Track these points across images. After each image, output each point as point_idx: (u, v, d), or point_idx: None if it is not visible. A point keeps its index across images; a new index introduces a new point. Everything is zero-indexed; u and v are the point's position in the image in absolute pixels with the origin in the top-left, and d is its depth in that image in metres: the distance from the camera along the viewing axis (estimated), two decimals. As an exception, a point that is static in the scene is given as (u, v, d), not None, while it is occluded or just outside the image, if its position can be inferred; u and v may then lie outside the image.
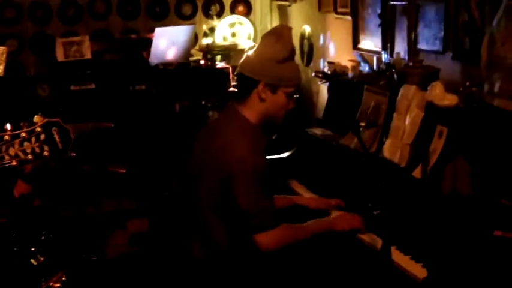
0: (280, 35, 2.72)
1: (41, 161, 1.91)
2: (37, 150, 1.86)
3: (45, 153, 1.87)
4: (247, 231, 2.66)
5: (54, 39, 4.95)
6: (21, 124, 1.88)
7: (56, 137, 1.88)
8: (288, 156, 3.83)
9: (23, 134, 1.86)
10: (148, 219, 4.71)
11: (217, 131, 2.76)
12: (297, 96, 2.78)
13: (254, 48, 2.81)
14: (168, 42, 4.84)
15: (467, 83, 2.84)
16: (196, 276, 2.81)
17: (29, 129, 1.87)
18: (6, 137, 1.84)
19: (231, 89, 4.81)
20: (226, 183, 2.62)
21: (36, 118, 1.89)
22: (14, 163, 1.86)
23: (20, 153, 1.86)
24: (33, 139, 1.87)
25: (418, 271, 2.44)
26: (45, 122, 1.86)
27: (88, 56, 4.65)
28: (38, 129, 1.87)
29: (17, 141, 1.86)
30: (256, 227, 2.63)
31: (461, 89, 2.83)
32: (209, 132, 2.82)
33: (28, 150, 1.86)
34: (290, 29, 2.80)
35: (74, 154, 1.98)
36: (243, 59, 2.80)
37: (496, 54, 2.43)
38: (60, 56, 4.61)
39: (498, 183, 2.37)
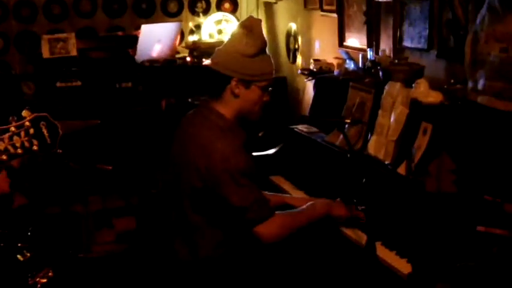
0: (249, 28, 2.65)
1: (29, 156, 1.92)
2: (26, 144, 1.88)
3: (35, 148, 1.89)
4: (245, 226, 2.64)
5: (40, 37, 4.93)
6: (10, 119, 1.89)
7: (45, 131, 1.90)
8: (274, 153, 3.84)
9: (13, 129, 1.87)
10: (135, 217, 4.71)
11: (195, 134, 2.69)
12: (271, 89, 2.74)
13: (225, 43, 2.75)
14: (154, 39, 4.83)
15: (452, 81, 2.87)
16: (181, 276, 2.80)
17: (18, 123, 1.88)
18: None
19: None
20: (212, 187, 2.60)
21: (24, 113, 1.90)
22: (4, 157, 1.87)
23: (10, 148, 1.87)
24: (22, 133, 1.88)
25: (403, 266, 2.46)
26: (33, 116, 1.88)
27: (74, 53, 4.63)
28: (27, 123, 1.88)
29: (7, 135, 1.87)
30: (253, 220, 2.61)
31: (445, 86, 2.86)
32: (185, 136, 2.76)
33: (18, 144, 1.88)
34: (260, 21, 2.73)
35: (61, 151, 1.99)
36: (214, 54, 2.73)
37: (480, 51, 2.46)
38: (45, 53, 4.60)
39: (481, 179, 2.40)
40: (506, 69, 2.33)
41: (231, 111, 2.69)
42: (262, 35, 2.71)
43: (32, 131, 1.89)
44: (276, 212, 2.69)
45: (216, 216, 2.67)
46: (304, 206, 2.82)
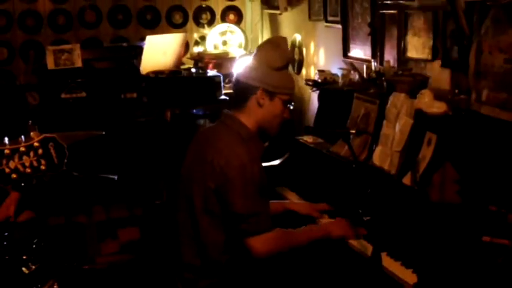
0: (277, 44, 2.80)
1: (36, 176, 1.96)
2: (35, 163, 1.93)
3: (42, 167, 1.94)
4: (240, 235, 2.67)
5: (44, 47, 4.95)
6: (19, 139, 1.94)
7: (53, 151, 1.95)
8: (279, 164, 3.84)
9: (22, 148, 1.93)
10: (139, 227, 4.71)
11: (215, 138, 2.78)
12: (292, 107, 2.83)
13: (251, 58, 2.85)
14: (159, 50, 4.84)
15: (456, 91, 2.88)
16: (188, 282, 2.82)
17: (28, 143, 1.94)
18: (7, 151, 1.90)
19: (222, 97, 4.82)
20: (222, 188, 2.65)
21: (33, 134, 1.96)
22: (14, 176, 1.92)
23: (20, 167, 1.93)
24: (31, 153, 1.94)
25: (409, 277, 2.45)
26: (42, 137, 1.94)
27: (79, 64, 4.64)
28: (36, 144, 1.94)
29: (17, 155, 1.92)
30: (249, 231, 2.65)
31: (449, 96, 2.86)
32: (204, 140, 2.83)
33: (27, 164, 1.93)
34: (285, 39, 2.88)
35: (65, 168, 2.03)
36: (242, 69, 2.84)
37: (484, 62, 2.46)
38: (50, 64, 4.61)
39: (486, 189, 2.40)
40: (510, 80, 2.34)
41: (253, 121, 2.77)
42: (288, 50, 2.88)
43: (40, 151, 1.94)
44: (276, 229, 2.72)
45: (223, 220, 2.71)
46: (303, 228, 2.85)
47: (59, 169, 1.96)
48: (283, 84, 2.77)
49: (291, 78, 2.84)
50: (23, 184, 2.24)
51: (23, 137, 1.98)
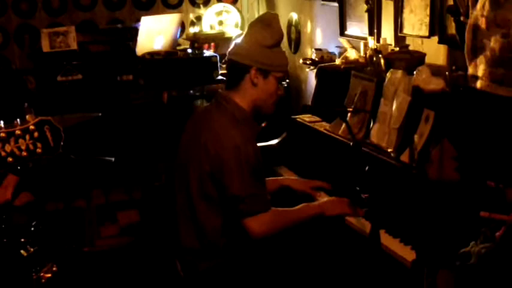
0: (268, 21, 2.78)
1: (33, 160, 1.97)
2: (31, 147, 1.94)
3: (38, 150, 1.95)
4: (237, 216, 2.67)
5: (39, 31, 4.91)
6: (14, 122, 1.94)
7: (48, 134, 1.95)
8: (277, 143, 3.84)
9: (18, 132, 1.93)
10: (138, 210, 4.71)
11: (208, 120, 2.77)
12: (285, 84, 2.81)
13: (242, 36, 2.84)
14: (154, 31, 4.81)
15: (453, 67, 2.86)
16: (188, 264, 2.82)
17: (23, 127, 1.94)
18: (2, 134, 1.90)
19: (219, 77, 4.80)
20: (218, 171, 2.65)
21: (28, 117, 1.95)
22: (10, 159, 1.92)
23: (15, 150, 1.93)
24: (27, 136, 1.94)
25: (407, 254, 2.46)
26: (38, 120, 1.94)
27: (74, 46, 4.62)
28: (32, 127, 1.94)
29: (12, 138, 1.93)
30: (246, 211, 2.66)
31: (447, 73, 2.85)
32: (199, 122, 2.83)
33: (23, 147, 1.93)
34: (277, 15, 2.85)
35: (61, 151, 2.03)
36: (232, 47, 2.83)
37: (480, 38, 2.44)
38: (45, 47, 4.58)
39: (484, 166, 2.39)
40: (507, 55, 2.32)
41: (248, 101, 2.77)
42: (280, 28, 2.83)
43: (36, 134, 1.94)
44: (272, 209, 2.72)
45: (220, 203, 2.71)
46: (299, 207, 2.85)
47: (55, 152, 1.96)
48: (276, 62, 2.77)
49: (284, 55, 2.83)
50: (19, 168, 2.25)
51: (18, 120, 1.97)
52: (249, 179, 2.66)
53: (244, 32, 2.86)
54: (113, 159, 2.89)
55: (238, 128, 2.70)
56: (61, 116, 2.78)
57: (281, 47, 2.84)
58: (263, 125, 4.43)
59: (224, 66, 4.91)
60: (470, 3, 2.69)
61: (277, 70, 2.77)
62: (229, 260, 2.76)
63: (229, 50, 2.84)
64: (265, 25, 2.76)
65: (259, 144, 3.33)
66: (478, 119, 2.48)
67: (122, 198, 4.76)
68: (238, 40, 2.84)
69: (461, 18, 2.79)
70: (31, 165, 2.03)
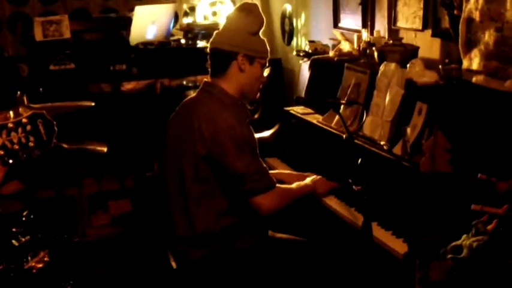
0: (249, 9, 2.83)
1: (25, 152, 1.96)
2: (23, 140, 1.92)
3: (31, 144, 1.93)
4: (244, 196, 2.70)
5: (32, 19, 4.88)
6: (7, 115, 1.93)
7: (41, 128, 1.94)
8: (269, 135, 3.84)
9: (10, 125, 1.92)
10: (130, 200, 4.70)
11: (198, 106, 2.79)
12: (268, 71, 2.85)
13: (223, 26, 2.88)
14: (148, 21, 4.79)
15: (446, 60, 2.87)
16: (180, 254, 2.82)
17: (16, 120, 1.92)
18: None
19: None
20: (216, 154, 2.67)
21: (21, 110, 1.94)
22: (1, 152, 1.91)
23: (7, 143, 1.92)
24: (19, 129, 1.93)
25: (399, 246, 2.47)
26: (31, 113, 1.93)
27: (67, 35, 4.58)
28: (24, 120, 1.92)
29: (4, 131, 1.92)
30: (253, 189, 2.69)
31: (440, 66, 2.85)
32: (187, 110, 2.84)
33: (15, 140, 1.92)
34: (256, 4, 2.90)
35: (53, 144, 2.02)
36: (215, 36, 2.85)
37: (475, 31, 2.45)
38: (38, 35, 4.55)
39: (476, 158, 2.39)
40: (501, 48, 2.32)
41: (235, 87, 2.81)
42: (261, 14, 2.86)
43: (29, 127, 1.93)
44: (276, 186, 2.79)
45: (216, 187, 2.73)
46: (293, 185, 2.95)
47: (47, 146, 1.96)
48: (261, 48, 2.83)
49: (265, 42, 2.88)
50: (11, 161, 2.24)
51: (11, 112, 1.96)
52: (251, 157, 2.70)
53: (224, 22, 2.90)
54: (105, 149, 2.88)
55: (230, 111, 2.74)
56: (53, 104, 2.77)
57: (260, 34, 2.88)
58: (256, 116, 4.44)
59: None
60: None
61: (262, 56, 2.83)
62: (223, 249, 2.75)
63: (210, 40, 2.86)
64: (247, 12, 2.81)
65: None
66: (471, 112, 2.49)
67: (114, 187, 4.75)
68: (220, 29, 2.87)
69: (455, 12, 2.79)
70: (23, 158, 2.01)
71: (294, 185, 2.95)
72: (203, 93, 2.85)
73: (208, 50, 2.87)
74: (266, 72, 2.92)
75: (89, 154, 4.08)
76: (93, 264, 4.09)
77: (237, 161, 2.66)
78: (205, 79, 2.89)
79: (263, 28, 2.87)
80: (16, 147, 1.93)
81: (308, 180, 3.04)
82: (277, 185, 2.81)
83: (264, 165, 2.79)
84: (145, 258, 4.01)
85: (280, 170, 3.43)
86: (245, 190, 2.70)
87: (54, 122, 1.97)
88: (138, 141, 4.67)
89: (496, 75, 2.32)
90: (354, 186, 2.50)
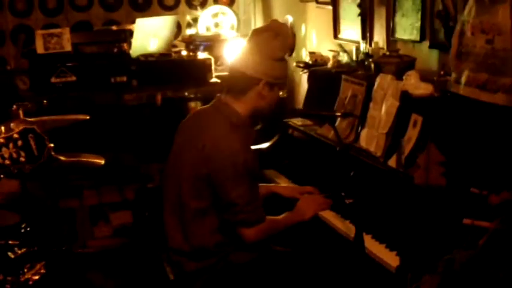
0: (276, 32, 2.77)
1: (17, 166, 1.97)
2: (14, 155, 1.94)
3: (22, 159, 1.95)
4: (233, 223, 2.70)
5: (35, 31, 4.91)
6: None
7: (32, 143, 1.95)
8: (268, 147, 3.83)
9: (1, 140, 1.93)
10: (131, 211, 4.70)
11: (206, 123, 2.78)
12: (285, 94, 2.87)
13: (248, 44, 2.81)
14: (149, 33, 4.81)
15: (441, 72, 2.86)
16: (175, 265, 2.83)
17: (7, 135, 1.94)
18: None
19: (213, 79, 4.79)
20: (215, 177, 2.67)
21: (13, 125, 1.95)
22: None
23: None
24: (10, 145, 1.95)
25: (392, 259, 2.46)
26: (22, 128, 1.94)
27: (68, 48, 4.60)
28: (16, 135, 1.94)
29: None
30: (244, 221, 2.69)
31: (435, 78, 2.84)
32: (196, 124, 2.84)
33: (6, 155, 1.94)
34: (285, 25, 2.92)
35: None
36: (238, 56, 2.82)
37: (466, 43, 2.44)
38: (40, 48, 4.58)
39: (469, 172, 2.38)
40: (491, 61, 2.31)
41: (249, 109, 2.78)
42: (290, 38, 2.90)
43: (20, 142, 1.95)
44: (266, 219, 2.78)
45: (211, 205, 2.73)
46: (283, 215, 2.92)
47: (38, 161, 1.96)
48: (283, 74, 2.82)
49: (287, 65, 2.87)
50: (1, 176, 2.24)
51: (2, 127, 1.97)
52: (246, 187, 2.68)
53: (250, 39, 2.82)
54: (102, 161, 2.88)
55: (237, 134, 2.72)
56: (50, 117, 2.78)
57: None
58: (257, 127, 4.44)
59: (219, 68, 4.91)
60: (458, 8, 2.69)
61: (283, 82, 2.84)
62: (217, 262, 2.76)
63: (235, 58, 2.83)
64: (274, 35, 2.75)
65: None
66: (465, 124, 2.48)
67: (115, 199, 4.75)
68: (245, 48, 2.81)
69: (450, 23, 2.79)
70: (15, 172, 2.02)
71: (282, 216, 2.91)
72: (214, 110, 2.82)
73: (229, 69, 2.85)
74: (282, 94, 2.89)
75: (86, 166, 4.10)
76: (94, 275, 4.10)
77: (233, 190, 2.66)
78: (219, 94, 2.87)
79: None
80: (7, 162, 1.94)
81: (298, 206, 2.97)
82: (267, 218, 2.79)
83: (258, 196, 2.78)
84: (145, 269, 4.01)
85: (277, 181, 3.43)
86: (234, 218, 2.71)
87: (46, 137, 1.99)
88: (139, 152, 4.67)
89: (485, 87, 2.32)
90: (345, 200, 2.50)
